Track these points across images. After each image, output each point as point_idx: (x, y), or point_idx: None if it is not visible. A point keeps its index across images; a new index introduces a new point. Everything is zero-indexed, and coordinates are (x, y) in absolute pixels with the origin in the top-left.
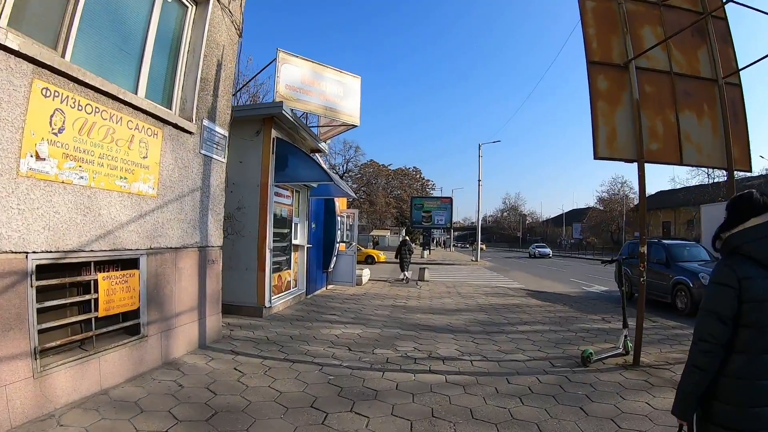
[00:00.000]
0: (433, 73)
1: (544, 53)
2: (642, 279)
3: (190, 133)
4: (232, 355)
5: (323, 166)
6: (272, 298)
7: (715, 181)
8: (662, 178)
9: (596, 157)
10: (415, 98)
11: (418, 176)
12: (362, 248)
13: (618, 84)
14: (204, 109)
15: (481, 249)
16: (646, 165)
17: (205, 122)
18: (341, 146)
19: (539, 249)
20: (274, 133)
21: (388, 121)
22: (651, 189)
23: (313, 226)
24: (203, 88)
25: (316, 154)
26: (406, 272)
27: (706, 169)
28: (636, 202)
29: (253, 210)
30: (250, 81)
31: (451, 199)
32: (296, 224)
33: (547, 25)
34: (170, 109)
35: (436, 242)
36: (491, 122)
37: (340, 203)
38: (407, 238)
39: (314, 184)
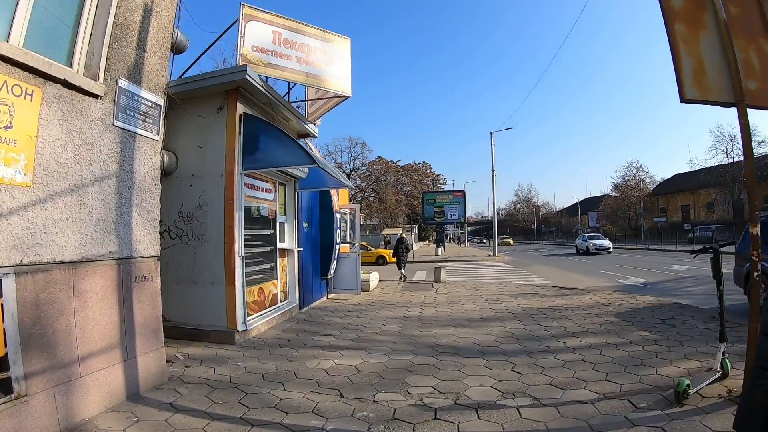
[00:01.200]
0: (444, 71)
1: (548, 51)
2: (755, 273)
3: (94, 96)
4: (168, 412)
5: (308, 148)
6: (248, 318)
7: (735, 160)
8: (679, 159)
9: (683, 99)
10: (426, 99)
11: (428, 171)
12: (372, 248)
13: (696, 1)
14: (121, 66)
15: (507, 243)
16: (666, 144)
17: (123, 83)
18: (347, 143)
19: (595, 242)
20: (241, 109)
21: (396, 120)
22: (667, 172)
23: (306, 225)
24: (119, 37)
25: (307, 141)
26: (402, 270)
27: (725, 149)
28: (652, 187)
29: (217, 207)
30: (213, 43)
31: (463, 192)
32: (282, 224)
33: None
34: (70, 66)
35: (450, 238)
36: (501, 116)
37: (340, 197)
38: (404, 235)
39: (302, 174)
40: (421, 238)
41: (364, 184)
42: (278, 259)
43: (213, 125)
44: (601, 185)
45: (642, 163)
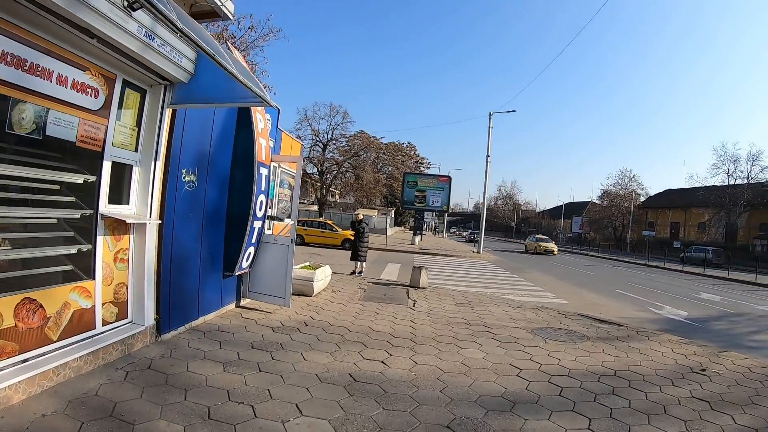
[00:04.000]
0: (434, 56)
1: (547, 45)
2: None
3: None
4: None
5: (202, 36)
6: None
7: (737, 182)
8: (676, 173)
9: None
10: (416, 77)
11: (412, 153)
12: (338, 229)
13: None
14: None
15: (552, 252)
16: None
17: None
18: (327, 110)
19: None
20: None
21: (383, 94)
22: (660, 186)
23: (189, 178)
24: None
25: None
26: (361, 263)
27: (727, 168)
28: (643, 198)
29: None
30: None
31: (449, 178)
32: (122, 168)
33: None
34: None
35: (426, 227)
36: (493, 106)
37: (283, 147)
38: (361, 216)
39: (182, 75)
40: (396, 223)
41: (341, 158)
42: (103, 238)
43: None
44: (586, 192)
45: (635, 173)
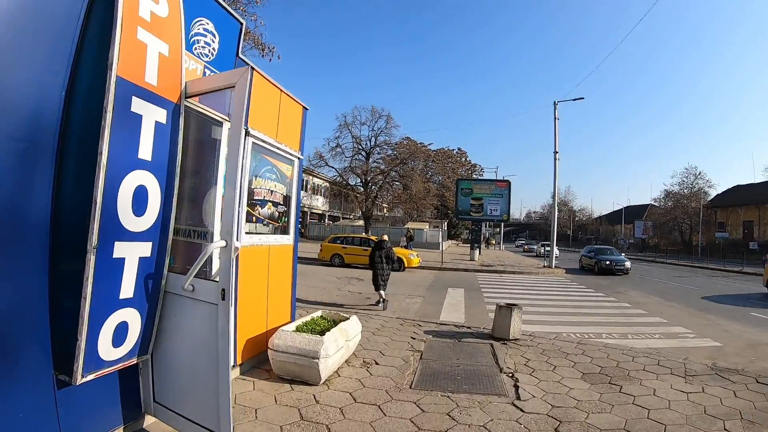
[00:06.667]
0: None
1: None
2: None
3: None
4: None
5: None
6: None
7: None
8: (742, 167)
9: None
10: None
11: (463, 160)
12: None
13: None
14: None
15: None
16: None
17: None
18: (368, 115)
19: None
20: None
21: (428, 100)
22: (729, 182)
23: None
24: None
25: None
26: (382, 291)
27: None
28: (712, 197)
29: None
30: None
31: (509, 182)
32: None
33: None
34: None
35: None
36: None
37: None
38: (385, 238)
39: None
40: (450, 236)
41: (387, 168)
42: None
43: None
44: (642, 195)
45: (701, 170)
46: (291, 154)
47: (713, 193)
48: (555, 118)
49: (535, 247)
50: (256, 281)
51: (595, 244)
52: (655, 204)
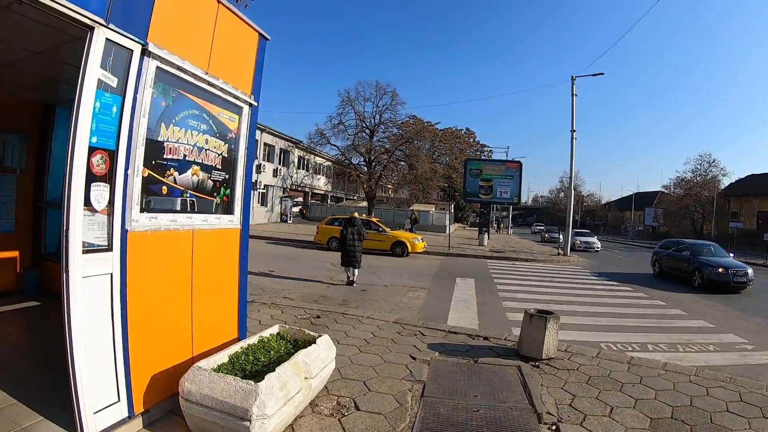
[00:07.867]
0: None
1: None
2: None
3: None
4: None
5: None
6: None
7: None
8: (759, 155)
9: None
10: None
11: (471, 140)
12: (387, 230)
13: None
14: None
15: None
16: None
17: None
18: (372, 90)
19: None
20: None
21: (434, 79)
22: (742, 171)
23: None
24: None
25: None
26: (355, 270)
27: None
28: (725, 185)
29: None
30: None
31: (520, 163)
32: None
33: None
34: None
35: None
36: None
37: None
38: (356, 215)
39: None
40: (456, 219)
41: (391, 146)
42: None
43: None
44: (652, 181)
45: (715, 158)
46: (236, 96)
47: (727, 181)
48: (572, 94)
49: (558, 236)
50: (169, 283)
51: (604, 231)
52: (665, 191)
